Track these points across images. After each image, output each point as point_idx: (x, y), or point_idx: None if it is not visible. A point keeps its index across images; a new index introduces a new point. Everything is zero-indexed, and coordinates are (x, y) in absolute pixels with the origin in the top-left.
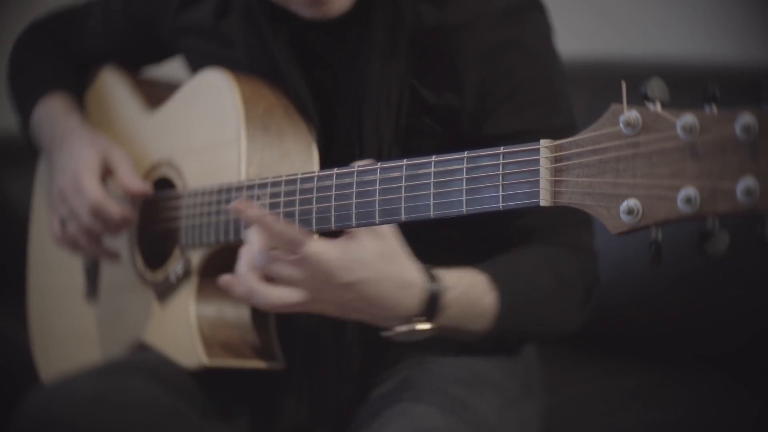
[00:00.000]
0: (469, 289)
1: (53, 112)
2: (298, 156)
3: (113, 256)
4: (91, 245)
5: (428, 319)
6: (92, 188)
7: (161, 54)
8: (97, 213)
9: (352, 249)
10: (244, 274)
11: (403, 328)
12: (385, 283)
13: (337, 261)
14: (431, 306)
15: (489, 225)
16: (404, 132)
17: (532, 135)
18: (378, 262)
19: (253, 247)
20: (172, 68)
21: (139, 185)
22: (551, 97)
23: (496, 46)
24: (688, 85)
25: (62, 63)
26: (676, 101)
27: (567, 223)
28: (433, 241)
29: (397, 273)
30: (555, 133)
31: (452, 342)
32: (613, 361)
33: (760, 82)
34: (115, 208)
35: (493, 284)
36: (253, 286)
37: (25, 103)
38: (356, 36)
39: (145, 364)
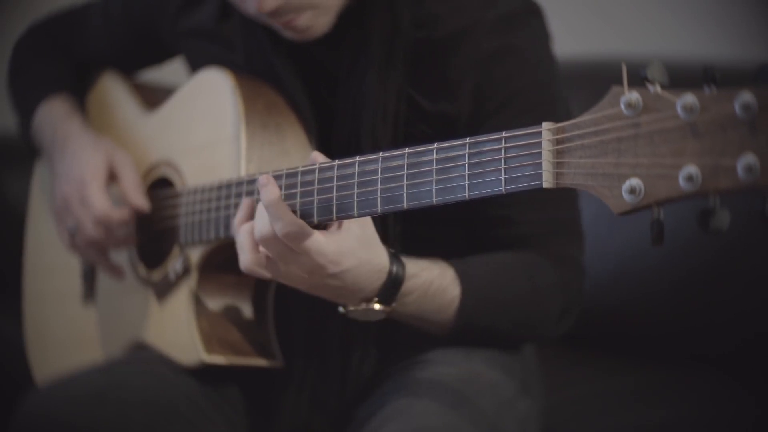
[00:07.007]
0: (434, 280)
1: (54, 115)
2: (297, 154)
3: (118, 272)
4: (99, 257)
5: (385, 303)
6: (97, 199)
7: (162, 55)
8: (102, 224)
9: (345, 239)
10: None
11: (361, 306)
12: (364, 267)
13: (332, 255)
14: (391, 290)
15: (481, 231)
16: (402, 141)
17: None
18: (360, 249)
19: (259, 224)
20: (170, 72)
21: (142, 201)
22: (547, 104)
23: (492, 54)
24: (688, 86)
25: (63, 65)
26: None
27: (557, 235)
28: (427, 244)
29: (373, 257)
30: None
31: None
32: (613, 361)
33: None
34: (120, 218)
35: (459, 280)
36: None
37: (26, 105)
38: (353, 48)
39: (144, 363)
